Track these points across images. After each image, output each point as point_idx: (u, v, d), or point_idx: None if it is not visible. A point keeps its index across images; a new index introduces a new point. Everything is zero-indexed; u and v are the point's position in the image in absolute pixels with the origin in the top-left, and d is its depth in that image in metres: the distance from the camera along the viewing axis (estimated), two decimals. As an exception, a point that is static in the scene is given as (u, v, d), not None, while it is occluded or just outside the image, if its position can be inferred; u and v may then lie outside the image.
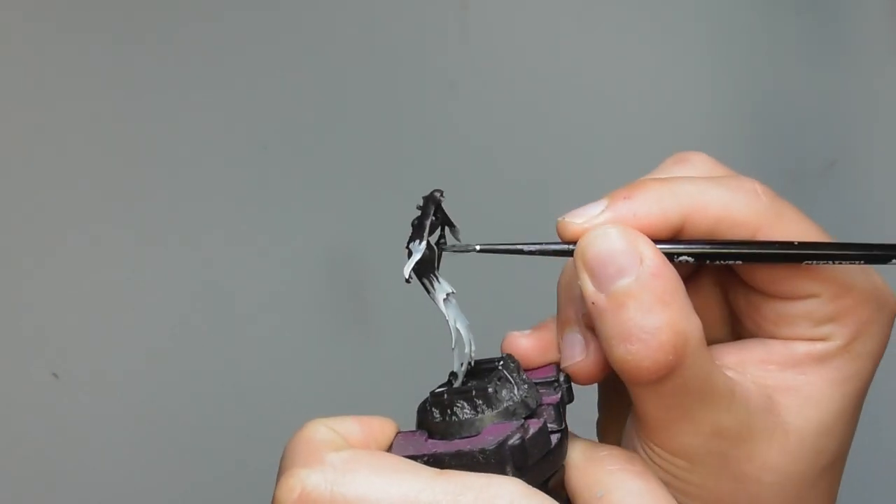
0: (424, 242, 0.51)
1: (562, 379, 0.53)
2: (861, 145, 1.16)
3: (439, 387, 0.52)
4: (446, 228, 0.53)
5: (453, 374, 0.52)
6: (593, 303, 0.49)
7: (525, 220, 0.93)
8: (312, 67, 0.98)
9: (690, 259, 0.52)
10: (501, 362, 0.53)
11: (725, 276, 0.55)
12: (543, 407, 0.52)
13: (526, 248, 0.52)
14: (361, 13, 0.99)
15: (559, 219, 0.52)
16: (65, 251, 0.91)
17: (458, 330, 0.52)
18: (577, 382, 0.53)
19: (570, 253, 0.51)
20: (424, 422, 0.51)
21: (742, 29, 1.12)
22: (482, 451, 0.49)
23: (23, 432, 0.90)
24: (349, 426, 0.51)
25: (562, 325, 0.54)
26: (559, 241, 0.52)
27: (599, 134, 1.07)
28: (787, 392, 0.53)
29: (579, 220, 0.51)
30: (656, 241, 0.51)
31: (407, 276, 0.52)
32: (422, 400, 0.52)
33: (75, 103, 0.91)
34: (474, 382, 0.52)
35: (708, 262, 0.52)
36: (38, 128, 0.90)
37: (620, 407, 0.55)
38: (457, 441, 0.50)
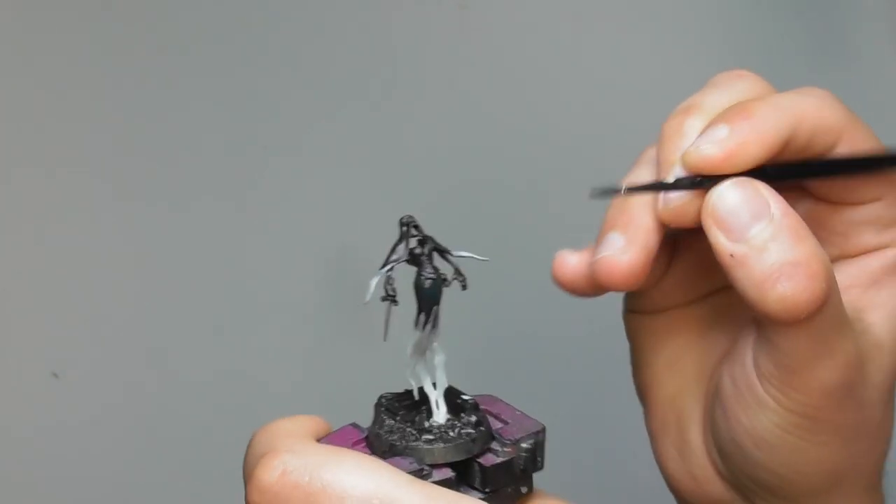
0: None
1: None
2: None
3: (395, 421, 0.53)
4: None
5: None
6: (732, 255, 0.50)
7: (526, 219, 0.93)
8: (312, 67, 0.98)
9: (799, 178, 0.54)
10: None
11: (790, 194, 0.55)
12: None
13: (665, 183, 0.53)
14: (360, 13, 0.99)
15: (687, 150, 0.52)
16: (65, 251, 0.91)
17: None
18: (606, 279, 0.53)
19: (700, 185, 0.52)
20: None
21: (742, 29, 1.12)
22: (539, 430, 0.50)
23: (23, 432, 0.90)
24: (310, 423, 0.52)
25: (604, 231, 0.54)
26: (683, 177, 0.52)
27: (599, 133, 1.07)
28: (874, 310, 0.54)
29: (712, 147, 0.52)
30: (767, 165, 0.51)
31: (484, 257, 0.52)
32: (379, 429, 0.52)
33: (74, 104, 0.91)
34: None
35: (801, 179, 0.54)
36: (38, 127, 0.90)
37: (671, 356, 0.56)
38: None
